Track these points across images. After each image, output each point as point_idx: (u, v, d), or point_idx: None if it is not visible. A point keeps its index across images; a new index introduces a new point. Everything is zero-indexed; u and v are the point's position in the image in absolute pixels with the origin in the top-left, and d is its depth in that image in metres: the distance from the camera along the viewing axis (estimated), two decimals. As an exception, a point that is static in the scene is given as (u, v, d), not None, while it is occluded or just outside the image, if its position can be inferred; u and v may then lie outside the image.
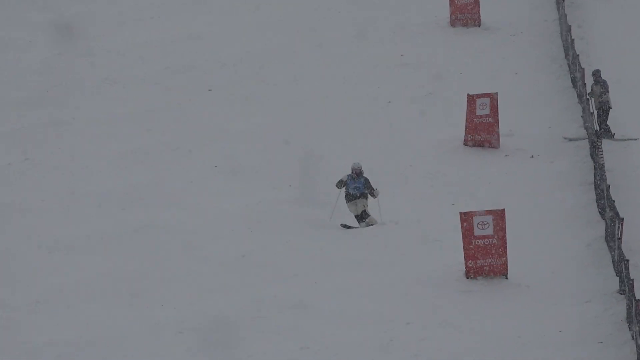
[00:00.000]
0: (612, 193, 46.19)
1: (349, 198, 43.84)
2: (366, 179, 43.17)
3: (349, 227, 45.18)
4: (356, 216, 43.84)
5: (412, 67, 63.11)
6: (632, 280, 40.77)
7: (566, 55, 59.56)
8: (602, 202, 47.17)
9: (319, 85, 59.50)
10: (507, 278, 44.22)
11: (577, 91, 55.76)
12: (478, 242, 43.91)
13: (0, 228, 50.15)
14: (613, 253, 44.01)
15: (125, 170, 54.61)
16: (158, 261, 46.85)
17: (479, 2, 67.50)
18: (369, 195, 44.35)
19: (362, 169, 43.99)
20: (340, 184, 43.71)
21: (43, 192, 53.27)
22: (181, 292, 44.23)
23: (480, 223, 43.60)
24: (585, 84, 54.10)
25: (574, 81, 56.78)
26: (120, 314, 42.98)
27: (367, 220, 43.94)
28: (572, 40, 58.87)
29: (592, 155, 50.49)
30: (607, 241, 45.47)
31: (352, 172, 43.92)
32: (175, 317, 42.35)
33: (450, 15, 68.02)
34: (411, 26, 68.45)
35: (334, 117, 57.06)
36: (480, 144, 53.33)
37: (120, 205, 51.49)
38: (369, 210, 44.36)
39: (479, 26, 67.14)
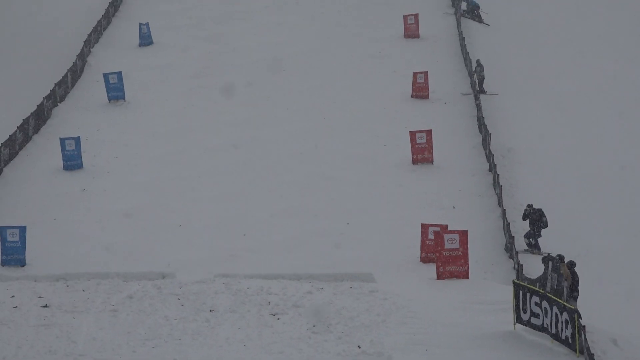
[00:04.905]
0: (486, 122, 46.47)
1: None
2: None
3: None
4: None
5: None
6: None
7: (462, 52, 58.89)
8: (480, 124, 46.97)
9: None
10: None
11: (467, 70, 55.23)
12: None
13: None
14: (486, 151, 44.33)
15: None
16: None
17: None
18: None
19: None
20: None
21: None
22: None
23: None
24: (472, 67, 52.82)
25: (466, 65, 56.00)
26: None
27: None
28: (465, 45, 58.10)
29: (475, 101, 50.08)
30: (483, 145, 45.12)
31: None
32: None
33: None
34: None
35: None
36: (419, 97, 51.48)
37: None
38: None
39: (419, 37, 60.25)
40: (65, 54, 57.95)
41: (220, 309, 27.78)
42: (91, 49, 59.82)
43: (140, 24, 61.56)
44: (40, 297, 28.80)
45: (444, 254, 31.33)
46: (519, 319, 25.69)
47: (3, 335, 26.08)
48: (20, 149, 46.29)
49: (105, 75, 53.00)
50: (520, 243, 35.77)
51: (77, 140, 44.65)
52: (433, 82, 52.36)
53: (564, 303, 24.30)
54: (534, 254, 35.18)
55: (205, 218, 39.21)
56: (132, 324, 26.74)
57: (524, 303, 25.36)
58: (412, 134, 44.22)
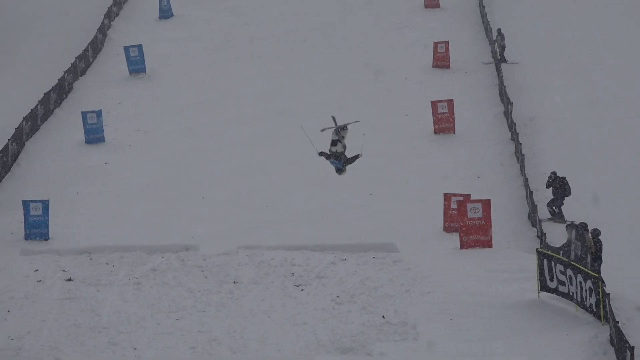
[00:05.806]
0: (508, 91, 46.19)
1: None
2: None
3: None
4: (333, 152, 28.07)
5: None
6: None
7: (483, 21, 58.74)
8: (501, 93, 46.82)
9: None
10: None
11: (488, 39, 55.17)
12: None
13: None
14: (508, 120, 44.20)
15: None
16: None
17: None
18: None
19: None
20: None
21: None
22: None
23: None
24: (493, 36, 52.75)
25: (487, 34, 56.04)
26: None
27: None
28: (486, 14, 58.05)
29: (496, 70, 49.86)
30: (505, 115, 45.00)
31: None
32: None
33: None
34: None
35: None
36: (440, 67, 51.34)
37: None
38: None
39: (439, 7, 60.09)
40: (86, 27, 57.95)
41: (244, 280, 27.70)
42: (112, 22, 59.74)
43: (160, -3, 61.49)
44: (64, 270, 28.78)
45: (467, 223, 31.28)
46: (545, 287, 25.50)
47: (27, 309, 26.09)
48: (42, 122, 46.29)
49: (126, 49, 52.91)
50: (543, 211, 35.57)
51: (99, 113, 44.62)
52: (454, 51, 52.16)
53: (588, 271, 24.07)
54: (557, 222, 34.97)
55: (228, 190, 39.16)
56: (155, 297, 26.68)
57: (550, 271, 25.16)
58: (434, 104, 44.04)
